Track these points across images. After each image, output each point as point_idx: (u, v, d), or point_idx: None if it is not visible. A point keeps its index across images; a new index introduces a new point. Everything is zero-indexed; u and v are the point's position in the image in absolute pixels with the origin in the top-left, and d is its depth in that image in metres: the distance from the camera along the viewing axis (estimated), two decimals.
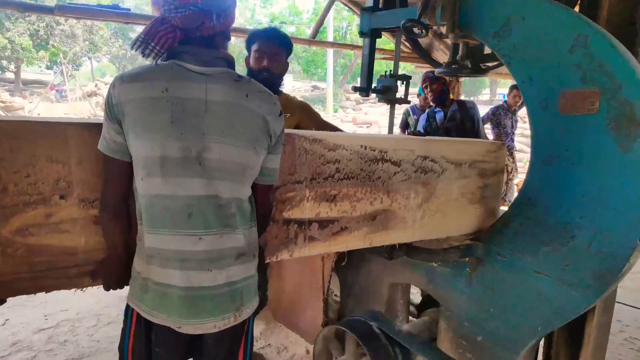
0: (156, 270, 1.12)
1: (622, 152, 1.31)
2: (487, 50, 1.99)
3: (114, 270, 1.19)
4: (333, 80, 21.65)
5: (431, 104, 3.58)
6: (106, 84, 16.72)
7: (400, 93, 2.31)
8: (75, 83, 17.51)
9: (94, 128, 1.12)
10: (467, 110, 3.49)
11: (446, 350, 1.83)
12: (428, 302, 2.26)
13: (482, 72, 1.90)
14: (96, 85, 19.50)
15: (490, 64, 1.93)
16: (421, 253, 1.74)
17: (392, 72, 2.17)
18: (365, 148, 1.49)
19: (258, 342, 2.62)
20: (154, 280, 1.13)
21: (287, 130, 1.31)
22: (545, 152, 1.47)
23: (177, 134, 1.06)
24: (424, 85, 3.49)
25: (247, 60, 2.06)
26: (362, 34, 2.10)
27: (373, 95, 2.36)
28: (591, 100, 1.36)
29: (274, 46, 1.98)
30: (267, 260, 1.41)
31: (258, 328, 2.76)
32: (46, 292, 1.13)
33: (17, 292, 1.08)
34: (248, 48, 2.04)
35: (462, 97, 5.02)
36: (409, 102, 2.30)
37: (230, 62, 1.17)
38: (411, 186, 1.60)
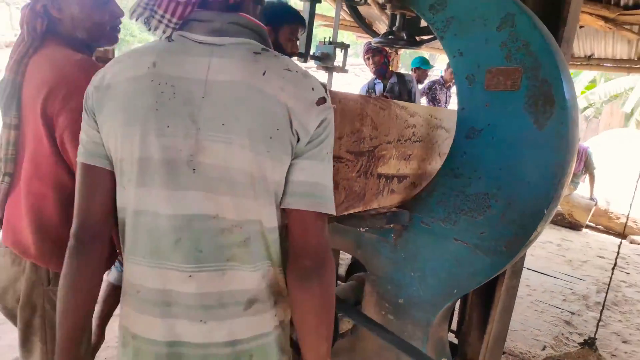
0: (131, 316, 0.85)
1: (537, 129, 1.38)
2: (424, 23, 2.01)
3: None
4: None
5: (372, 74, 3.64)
6: None
7: (338, 61, 2.30)
8: None
9: None
10: (405, 83, 3.57)
11: (370, 312, 1.91)
12: (355, 267, 2.33)
13: (417, 44, 1.92)
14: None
15: (425, 37, 1.95)
16: (350, 219, 1.77)
17: (331, 40, 2.14)
18: (431, 116, 1.80)
19: None
20: (129, 329, 0.86)
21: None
22: (469, 126, 1.53)
23: (161, 127, 0.78)
24: (365, 56, 3.54)
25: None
26: None
27: (313, 62, 2.33)
28: (514, 77, 1.42)
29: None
30: (363, 209, 1.56)
31: None
32: None
33: None
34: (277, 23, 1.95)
35: (402, 71, 5.14)
36: (346, 71, 2.29)
37: (256, 32, 0.85)
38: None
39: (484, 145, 1.50)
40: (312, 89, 0.83)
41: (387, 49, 3.48)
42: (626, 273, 4.56)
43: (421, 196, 1.69)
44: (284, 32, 1.95)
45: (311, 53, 2.10)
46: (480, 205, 1.52)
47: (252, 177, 0.80)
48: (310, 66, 2.41)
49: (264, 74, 0.79)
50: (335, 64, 2.21)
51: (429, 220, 1.66)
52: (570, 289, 3.69)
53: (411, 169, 1.80)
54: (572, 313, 3.16)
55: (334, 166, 1.45)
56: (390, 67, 3.73)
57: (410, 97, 3.55)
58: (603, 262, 4.72)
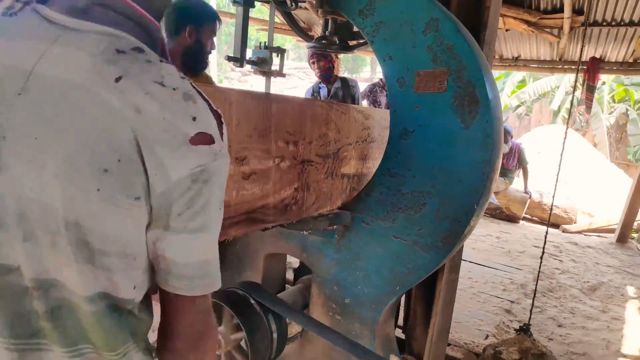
0: None
1: (464, 128, 1.46)
2: (356, 28, 2.06)
3: None
4: (217, 50, 20.87)
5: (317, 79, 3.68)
6: None
7: (276, 66, 2.30)
8: None
9: (250, 95, 1.30)
10: (349, 87, 3.65)
11: (318, 313, 1.93)
12: (303, 270, 2.35)
13: (350, 49, 1.97)
14: None
15: (357, 42, 2.01)
16: (293, 223, 1.79)
17: (267, 44, 2.14)
18: (381, 118, 1.97)
19: None
20: None
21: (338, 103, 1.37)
22: (401, 127, 1.59)
23: None
24: (310, 61, 3.57)
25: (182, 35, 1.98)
26: (234, 2, 2.04)
27: (249, 67, 2.32)
28: (440, 79, 1.49)
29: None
30: (330, 209, 1.68)
31: None
32: None
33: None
34: (182, 23, 1.92)
35: (345, 75, 5.22)
36: (284, 76, 2.30)
37: (138, 24, 0.65)
38: None
39: (416, 145, 1.56)
40: (193, 118, 0.60)
41: (332, 54, 3.53)
42: (559, 261, 4.86)
43: (361, 196, 1.74)
44: (205, 30, 1.96)
45: (247, 58, 2.09)
46: (416, 203, 1.58)
47: (64, 222, 0.57)
48: (247, 71, 2.41)
49: (117, 80, 0.56)
50: (273, 68, 2.21)
51: (369, 219, 1.71)
52: (510, 278, 3.89)
53: (367, 168, 1.93)
54: (512, 302, 3.33)
55: (305, 169, 1.52)
56: (334, 71, 3.79)
57: (354, 101, 3.63)
58: (539, 252, 5.00)
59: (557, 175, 2.48)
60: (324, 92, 3.67)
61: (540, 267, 2.60)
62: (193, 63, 2.18)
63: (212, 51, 2.15)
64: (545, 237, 2.63)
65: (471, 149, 1.45)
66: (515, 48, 5.91)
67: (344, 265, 1.80)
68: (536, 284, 2.67)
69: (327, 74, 3.56)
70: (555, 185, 2.56)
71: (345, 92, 3.61)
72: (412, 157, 1.57)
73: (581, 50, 2.75)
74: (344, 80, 3.72)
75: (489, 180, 1.47)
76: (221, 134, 0.67)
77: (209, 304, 0.70)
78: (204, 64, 2.16)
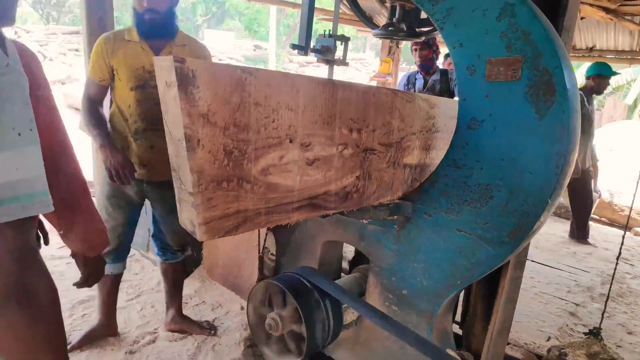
0: None
1: (538, 119, 1.39)
2: (423, 15, 2.01)
3: None
4: (276, 41, 21.12)
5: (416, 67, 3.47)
6: (28, 32, 15.28)
7: (339, 55, 2.30)
8: None
9: (316, 81, 1.30)
10: (448, 81, 3.39)
11: (374, 302, 1.92)
12: (359, 259, 2.34)
13: (417, 35, 1.92)
14: (16, 32, 17.80)
15: (425, 29, 1.96)
16: (353, 211, 1.79)
17: (330, 33, 2.14)
18: (447, 107, 1.90)
19: (192, 299, 2.63)
20: None
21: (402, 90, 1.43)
22: (470, 117, 1.53)
23: None
24: (413, 47, 3.36)
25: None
26: None
27: (313, 55, 2.33)
28: (514, 67, 1.42)
29: None
30: (391, 199, 1.69)
31: (192, 286, 2.76)
32: (270, 227, 1.32)
33: (255, 225, 1.22)
34: None
35: (402, 65, 4.97)
36: (347, 64, 2.29)
37: None
38: None
39: (485, 135, 1.50)
40: None
41: (437, 43, 3.36)
42: (630, 265, 4.55)
43: (424, 187, 1.70)
44: None
45: (311, 46, 2.10)
46: (482, 195, 1.53)
47: None
48: (311, 60, 2.41)
49: None
50: (336, 57, 2.21)
51: (431, 211, 1.67)
52: (575, 280, 3.69)
53: (431, 159, 1.89)
54: (577, 305, 3.16)
55: (367, 158, 1.53)
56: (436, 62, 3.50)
57: (451, 96, 3.39)
58: (607, 254, 4.71)
59: None
60: (419, 83, 3.44)
61: (615, 271, 2.45)
62: None
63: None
64: (623, 239, 2.47)
65: (545, 140, 1.38)
66: (590, 37, 5.56)
67: (403, 257, 1.78)
68: (610, 288, 2.52)
69: (428, 65, 3.35)
70: (637, 185, 2.39)
71: (444, 85, 3.37)
72: (481, 148, 1.52)
73: None
74: (444, 73, 3.46)
75: (562, 175, 1.39)
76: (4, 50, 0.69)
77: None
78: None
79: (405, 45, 7.97)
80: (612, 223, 6.21)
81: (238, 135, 1.10)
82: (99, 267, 1.41)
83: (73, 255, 1.34)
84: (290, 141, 1.25)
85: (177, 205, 1.15)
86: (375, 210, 1.66)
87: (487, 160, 1.51)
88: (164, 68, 1.00)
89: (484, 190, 1.53)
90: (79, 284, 1.40)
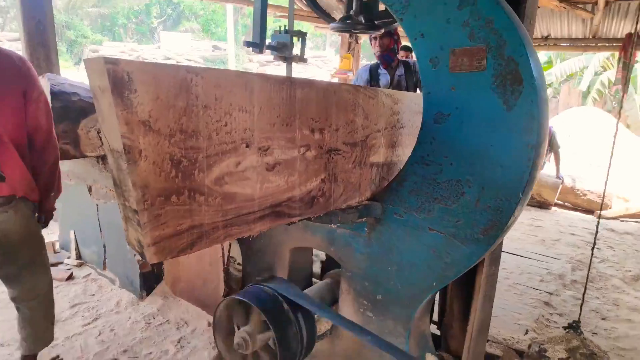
0: None
1: (506, 110, 1.34)
2: (382, 7, 1.95)
3: None
4: (234, 41, 20.81)
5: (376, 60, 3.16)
6: None
7: (296, 52, 2.21)
8: None
9: (273, 80, 1.20)
10: (412, 74, 3.15)
11: (348, 310, 1.85)
12: (330, 263, 2.27)
13: (376, 28, 1.86)
14: None
15: (384, 20, 1.90)
16: (320, 216, 1.71)
17: (286, 28, 2.05)
18: (412, 102, 1.86)
19: (155, 319, 2.49)
20: None
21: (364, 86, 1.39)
22: (436, 111, 1.48)
23: None
24: (372, 36, 3.04)
25: None
26: None
27: (269, 53, 2.24)
28: (478, 57, 1.37)
29: None
30: (359, 200, 1.62)
31: (155, 304, 2.61)
32: (229, 241, 1.27)
33: (212, 241, 1.11)
34: None
35: (363, 61, 4.74)
36: (305, 61, 2.21)
37: None
38: None
39: (453, 130, 1.45)
40: None
41: (398, 32, 3.05)
42: (597, 248, 4.66)
43: (392, 186, 1.64)
44: None
45: (266, 43, 2.01)
46: (453, 192, 1.48)
47: None
48: (272, 58, 2.31)
49: None
50: (294, 54, 2.12)
51: (402, 211, 1.61)
52: (546, 268, 3.73)
53: (397, 156, 1.83)
54: (550, 293, 3.19)
55: (332, 159, 1.45)
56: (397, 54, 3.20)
57: (416, 89, 3.15)
58: (574, 239, 4.81)
59: (610, 160, 2.34)
60: (384, 80, 3.15)
61: (591, 259, 2.47)
62: None
63: None
64: (597, 227, 2.49)
65: (515, 132, 1.34)
66: (545, 27, 5.68)
67: (375, 260, 1.71)
68: (587, 277, 2.54)
69: (389, 56, 3.06)
70: (608, 171, 2.41)
71: (409, 80, 3.11)
72: (449, 143, 1.46)
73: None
74: (407, 65, 3.18)
75: (534, 166, 1.36)
76: None
77: None
78: None
79: (365, 40, 7.97)
80: (575, 207, 6.37)
81: (186, 142, 1.00)
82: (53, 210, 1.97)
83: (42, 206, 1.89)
84: (247, 146, 1.16)
85: (123, 223, 1.03)
86: (344, 214, 1.58)
87: (456, 156, 1.46)
88: (95, 71, 0.89)
89: (455, 186, 1.47)
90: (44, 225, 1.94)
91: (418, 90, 3.22)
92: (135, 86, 0.89)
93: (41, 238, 1.93)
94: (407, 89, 3.18)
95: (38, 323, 1.96)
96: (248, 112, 1.14)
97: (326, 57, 23.83)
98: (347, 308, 1.85)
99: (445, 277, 1.56)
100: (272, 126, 1.23)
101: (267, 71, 20.07)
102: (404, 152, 1.92)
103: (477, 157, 1.41)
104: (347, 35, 7.56)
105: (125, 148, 0.89)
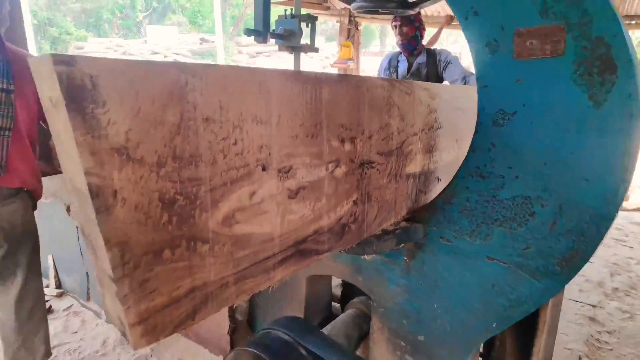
0: None
1: (594, 106, 1.08)
2: None
3: None
4: (223, 32, 20.45)
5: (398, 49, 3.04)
6: None
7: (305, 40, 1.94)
8: None
9: (293, 77, 0.93)
10: (436, 63, 2.93)
11: (381, 351, 1.59)
12: (349, 288, 2.00)
13: (410, 6, 1.58)
14: None
15: None
16: (352, 247, 1.44)
17: (293, 13, 1.78)
18: (450, 96, 1.60)
19: None
20: None
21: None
22: (496, 109, 1.21)
23: None
24: (393, 24, 2.90)
25: None
26: None
27: (269, 46, 1.97)
28: (554, 39, 1.10)
29: None
30: (395, 221, 1.34)
31: None
32: (242, 301, 0.96)
33: (220, 304, 0.83)
34: None
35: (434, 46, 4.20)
36: (317, 50, 1.94)
37: None
38: (469, 130, 1.58)
39: (519, 133, 1.18)
40: None
41: (421, 19, 2.91)
42: (629, 247, 4.42)
43: (437, 205, 1.37)
44: None
45: (271, 30, 1.73)
46: (520, 212, 1.22)
47: None
48: (261, 49, 2.03)
49: None
50: (302, 42, 1.85)
51: (450, 235, 1.35)
52: (582, 275, 3.48)
53: (434, 163, 1.58)
54: (594, 306, 2.94)
55: (365, 175, 1.18)
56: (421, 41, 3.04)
57: (439, 81, 2.94)
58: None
59: None
60: (402, 67, 3.00)
61: None
62: None
63: None
64: None
65: (605, 135, 1.07)
66: (629, 3, 5.33)
67: (416, 294, 1.45)
68: None
69: (411, 45, 2.90)
70: None
71: (430, 68, 2.90)
72: (514, 150, 1.20)
73: None
74: (432, 53, 3.00)
75: (629, 177, 1.09)
76: None
77: None
78: None
79: (365, 27, 7.70)
80: None
81: (182, 172, 0.73)
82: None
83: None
84: (263, 169, 0.89)
85: (99, 287, 0.76)
86: (379, 242, 1.32)
87: (524, 166, 1.19)
88: (43, 75, 0.61)
89: (522, 205, 1.21)
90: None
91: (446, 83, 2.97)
92: (103, 97, 0.61)
93: (38, 237, 1.99)
94: (427, 78, 2.93)
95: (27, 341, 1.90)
96: (264, 123, 0.87)
97: (316, 46, 23.46)
98: (380, 349, 1.59)
99: (509, 317, 1.30)
100: (295, 139, 0.96)
101: (257, 64, 19.66)
102: (442, 158, 1.65)
103: (552, 167, 1.15)
104: (346, 21, 7.28)
105: (92, 190, 0.62)
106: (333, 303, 2.09)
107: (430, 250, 1.40)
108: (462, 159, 1.79)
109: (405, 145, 1.39)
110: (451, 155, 1.72)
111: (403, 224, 1.41)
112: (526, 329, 1.58)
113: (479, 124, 1.25)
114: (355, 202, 1.19)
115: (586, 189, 1.11)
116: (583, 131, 1.09)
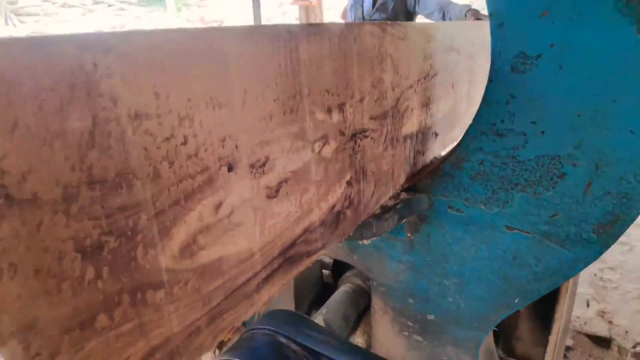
0: None
1: None
2: None
3: None
4: None
5: None
6: None
7: None
8: None
9: (258, 34, 0.67)
10: None
11: (385, 331, 1.43)
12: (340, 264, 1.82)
13: None
14: None
15: None
16: (349, 235, 1.24)
17: None
18: (444, 36, 1.39)
19: None
20: None
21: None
22: (516, 52, 0.97)
23: None
24: None
25: None
26: None
27: None
28: None
29: None
30: (394, 192, 1.15)
31: None
32: (224, 337, 0.70)
33: (195, 353, 0.63)
34: None
35: None
36: None
37: None
38: (465, 73, 1.53)
39: (545, 80, 0.96)
40: None
41: None
42: None
43: (444, 170, 1.16)
44: None
45: None
46: (546, 174, 1.02)
47: None
48: None
49: None
50: None
51: (460, 204, 1.15)
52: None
53: (431, 116, 1.36)
54: None
55: (359, 147, 0.95)
56: None
57: (408, 18, 2.71)
58: None
59: None
60: (367, 4, 2.74)
61: None
62: None
63: None
64: None
65: None
66: None
67: (422, 271, 1.27)
68: None
69: None
70: None
71: (398, 3, 2.63)
72: (538, 102, 0.98)
73: None
74: None
75: None
76: None
77: None
78: None
79: None
80: None
81: (106, 201, 0.49)
82: None
83: None
84: (230, 169, 0.65)
85: None
86: (379, 222, 1.11)
87: (551, 120, 0.98)
88: None
89: (549, 165, 1.01)
90: None
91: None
92: None
93: None
94: (394, 15, 2.63)
95: None
96: (224, 105, 0.63)
97: None
98: (383, 329, 1.44)
99: (534, 291, 1.13)
100: (268, 120, 0.71)
101: (208, 5, 18.47)
102: (439, 109, 1.43)
103: (588, 120, 0.94)
104: None
105: None
106: (324, 270, 1.91)
107: (437, 222, 1.20)
108: (459, 106, 1.56)
109: (400, 103, 1.15)
110: (447, 104, 1.50)
111: (403, 195, 1.20)
112: (544, 314, 1.44)
113: (493, 72, 1.01)
114: (349, 183, 0.97)
115: (630, 142, 0.91)
116: (629, 73, 0.87)
